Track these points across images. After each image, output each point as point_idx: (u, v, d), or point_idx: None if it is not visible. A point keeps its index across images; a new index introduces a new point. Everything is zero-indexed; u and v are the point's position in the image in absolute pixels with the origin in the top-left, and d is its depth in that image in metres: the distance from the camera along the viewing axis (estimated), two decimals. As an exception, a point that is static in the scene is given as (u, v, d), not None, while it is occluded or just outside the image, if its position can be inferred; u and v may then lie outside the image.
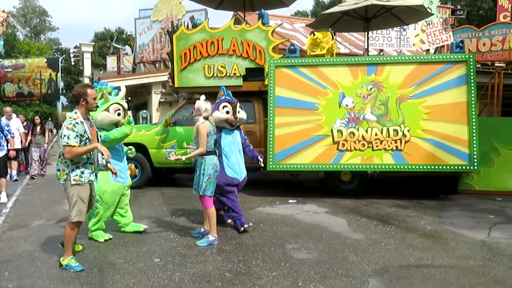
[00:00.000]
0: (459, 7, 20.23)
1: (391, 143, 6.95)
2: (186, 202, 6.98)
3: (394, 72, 7.06)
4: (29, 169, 10.59)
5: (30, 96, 37.43)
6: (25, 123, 11.08)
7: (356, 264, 4.05)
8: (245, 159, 5.39)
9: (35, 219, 5.91)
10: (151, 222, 5.67)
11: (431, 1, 11.09)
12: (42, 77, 36.78)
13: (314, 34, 7.82)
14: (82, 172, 3.92)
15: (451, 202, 7.06)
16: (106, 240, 4.77)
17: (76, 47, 47.71)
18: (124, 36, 44.70)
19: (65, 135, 3.77)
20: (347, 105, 7.13)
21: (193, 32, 8.12)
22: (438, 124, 6.87)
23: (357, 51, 13.67)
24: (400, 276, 3.77)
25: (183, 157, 4.67)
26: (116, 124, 4.79)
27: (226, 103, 5.18)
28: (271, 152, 7.15)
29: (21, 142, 10.03)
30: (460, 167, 6.79)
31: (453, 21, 13.65)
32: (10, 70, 36.36)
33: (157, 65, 17.29)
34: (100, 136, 4.31)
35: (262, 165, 5.45)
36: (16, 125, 9.56)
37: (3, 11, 18.31)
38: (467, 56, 6.99)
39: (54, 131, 29.82)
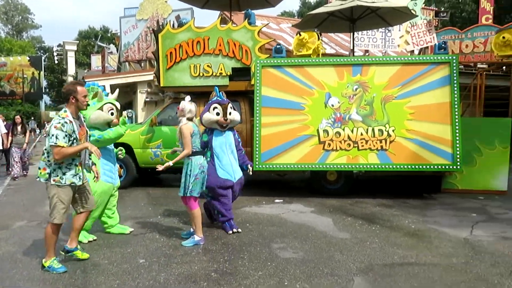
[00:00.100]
0: (442, 9, 20.59)
1: (376, 143, 7.02)
2: (172, 202, 6.93)
3: (379, 72, 7.13)
4: (10, 170, 10.33)
5: (12, 95, 36.66)
6: (5, 123, 10.82)
7: (342, 263, 4.08)
8: None
9: (17, 220, 5.80)
10: (136, 222, 5.61)
11: (416, 3, 11.23)
12: (25, 76, 36.07)
13: (300, 35, 7.85)
14: (64, 174, 3.78)
15: (434, 201, 7.16)
16: (90, 241, 4.71)
17: (59, 45, 46.90)
18: (109, 34, 44.26)
19: (53, 135, 3.65)
20: (333, 105, 7.18)
21: (179, 31, 8.06)
22: (422, 124, 6.96)
23: (343, 51, 13.77)
24: (385, 275, 3.80)
25: (171, 163, 4.61)
26: (109, 124, 4.81)
27: (216, 105, 5.12)
28: (257, 152, 7.15)
29: (3, 143, 9.82)
30: (443, 167, 6.90)
31: (436, 23, 13.87)
32: (-8, 68, 35.62)
33: (142, 64, 17.13)
34: (89, 137, 4.21)
35: (251, 173, 5.39)
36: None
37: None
38: (450, 58, 7.11)
39: (37, 130, 29.33)
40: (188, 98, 4.79)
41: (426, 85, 7.02)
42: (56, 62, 49.36)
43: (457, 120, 6.86)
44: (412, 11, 9.62)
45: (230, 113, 5.14)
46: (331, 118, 7.16)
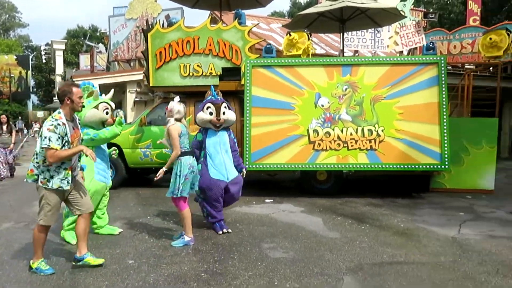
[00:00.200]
0: (431, 10, 20.79)
1: (365, 142, 7.06)
2: (161, 202, 6.89)
3: (368, 73, 7.18)
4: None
5: (-1, 95, 36.25)
6: None
7: (331, 262, 4.10)
8: None
9: (4, 222, 5.70)
10: (126, 223, 5.57)
11: (405, 4, 11.32)
12: (12, 75, 35.64)
13: (290, 35, 7.87)
14: (52, 177, 3.67)
15: (423, 200, 7.23)
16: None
17: (47, 44, 46.37)
18: (97, 33, 43.79)
19: (46, 137, 3.55)
20: (322, 105, 7.21)
21: (169, 31, 8.02)
22: (411, 124, 7.03)
23: (332, 52, 13.83)
24: (374, 273, 3.83)
25: (164, 169, 4.58)
26: (103, 123, 4.84)
27: (210, 104, 5.08)
28: (247, 152, 7.14)
29: None
30: (432, 166, 6.96)
31: (425, 24, 14.00)
32: (-22, 67, 35.11)
33: (132, 64, 17.01)
34: (82, 141, 4.13)
35: (243, 176, 5.33)
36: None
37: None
38: (438, 58, 7.18)
39: (25, 130, 28.93)
40: (177, 98, 4.76)
41: (414, 85, 7.08)
42: (44, 61, 48.81)
43: (445, 120, 6.93)
44: (401, 12, 9.69)
45: (224, 113, 5.11)
46: (321, 118, 7.18)
